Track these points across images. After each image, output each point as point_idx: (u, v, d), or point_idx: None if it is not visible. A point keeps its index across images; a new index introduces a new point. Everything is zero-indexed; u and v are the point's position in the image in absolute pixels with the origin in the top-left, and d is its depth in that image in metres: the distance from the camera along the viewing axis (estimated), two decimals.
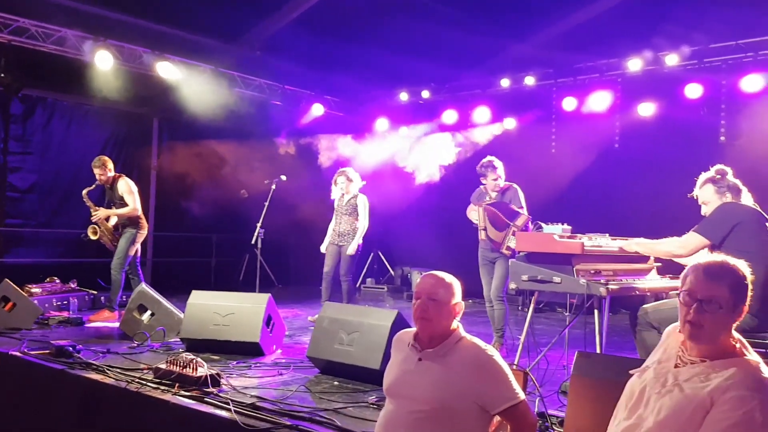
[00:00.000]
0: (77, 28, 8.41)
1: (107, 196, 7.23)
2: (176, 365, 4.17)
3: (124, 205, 7.03)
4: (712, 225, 3.97)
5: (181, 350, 5.23)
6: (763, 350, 3.24)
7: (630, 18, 8.31)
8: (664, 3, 8.04)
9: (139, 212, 7.11)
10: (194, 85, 9.48)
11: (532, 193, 6.39)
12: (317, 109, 11.12)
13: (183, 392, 3.97)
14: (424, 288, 2.68)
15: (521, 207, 5.96)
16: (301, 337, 6.36)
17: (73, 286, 7.69)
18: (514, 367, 3.18)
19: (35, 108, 9.27)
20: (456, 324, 2.68)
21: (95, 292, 7.79)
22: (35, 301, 6.54)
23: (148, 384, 4.14)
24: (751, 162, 6.36)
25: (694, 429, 2.02)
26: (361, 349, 4.55)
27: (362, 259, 8.08)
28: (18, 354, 4.91)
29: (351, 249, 7.23)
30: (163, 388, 4.05)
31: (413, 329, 2.77)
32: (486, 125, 10.20)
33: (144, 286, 6.14)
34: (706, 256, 2.40)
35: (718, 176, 4.11)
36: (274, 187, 7.61)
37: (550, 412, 3.48)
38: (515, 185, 6.12)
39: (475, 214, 5.98)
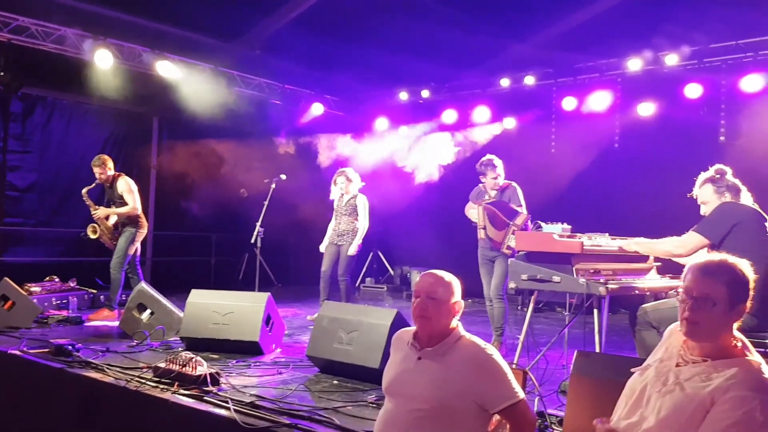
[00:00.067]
0: (77, 27, 8.41)
1: (107, 195, 7.23)
2: (176, 364, 4.17)
3: (124, 204, 7.02)
4: (712, 224, 3.98)
5: (180, 349, 5.23)
6: (763, 350, 3.24)
7: (630, 18, 8.31)
8: (664, 3, 8.04)
9: (139, 211, 7.11)
10: (194, 84, 9.48)
11: (531, 192, 6.39)
12: (317, 109, 11.12)
13: (182, 391, 3.97)
14: (424, 286, 2.68)
15: (520, 205, 5.96)
16: (300, 336, 6.36)
17: (72, 285, 7.69)
18: (514, 366, 3.18)
19: (35, 107, 9.26)
20: (455, 323, 2.68)
21: (95, 291, 7.79)
22: (35, 300, 6.54)
23: (148, 383, 4.14)
24: (750, 162, 6.36)
25: (694, 428, 2.03)
26: (360, 348, 4.55)
27: (361, 259, 8.08)
28: (17, 353, 4.91)
29: (352, 249, 7.23)
30: (162, 386, 4.05)
31: (413, 328, 2.77)
32: (486, 125, 10.19)
33: (143, 285, 6.13)
34: (707, 255, 2.40)
35: (718, 176, 4.12)
36: (273, 186, 7.61)
37: (549, 411, 3.49)
38: (514, 183, 6.12)
39: (474, 212, 5.99)
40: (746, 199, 4.09)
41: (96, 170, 7.05)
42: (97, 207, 7.10)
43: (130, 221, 7.08)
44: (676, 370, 2.18)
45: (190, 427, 3.77)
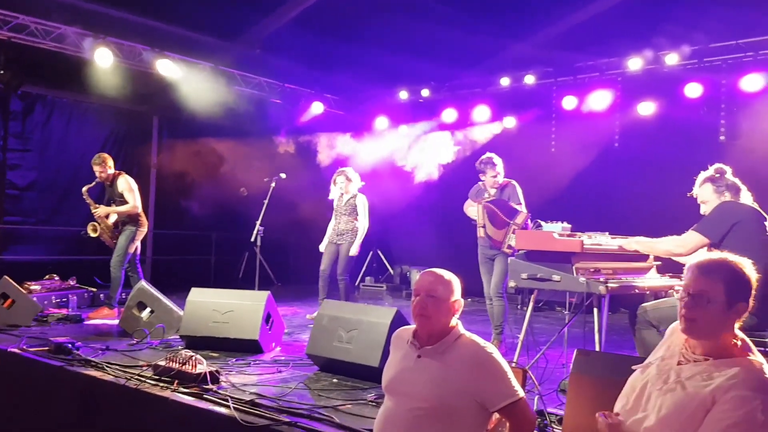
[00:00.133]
0: (77, 25, 8.40)
1: (107, 194, 7.23)
2: (175, 362, 4.17)
3: (124, 202, 7.03)
4: (711, 224, 3.98)
5: (180, 347, 5.24)
6: (762, 349, 3.24)
7: (630, 17, 8.31)
8: (665, 2, 8.04)
9: (139, 210, 7.11)
10: (194, 83, 9.48)
11: (531, 191, 6.39)
12: (317, 108, 11.12)
13: (182, 389, 3.97)
14: (423, 285, 2.67)
15: (520, 203, 5.96)
16: (300, 335, 6.37)
17: (72, 283, 7.70)
18: (513, 365, 3.18)
19: (35, 105, 9.26)
20: (455, 321, 2.68)
21: (94, 290, 7.79)
22: (34, 298, 6.55)
23: (148, 381, 4.14)
24: (750, 161, 6.36)
25: (695, 427, 2.03)
26: (360, 347, 4.55)
27: (361, 258, 8.09)
28: (17, 351, 4.91)
29: (353, 250, 7.23)
30: (162, 385, 4.05)
31: (412, 326, 2.77)
32: (486, 124, 10.19)
33: (143, 284, 6.14)
34: (708, 254, 2.40)
35: (717, 175, 4.12)
36: (273, 185, 7.61)
37: (549, 410, 3.49)
38: (513, 182, 6.12)
39: (473, 210, 5.99)
40: (746, 198, 4.09)
41: (96, 169, 7.05)
42: (97, 205, 7.10)
43: (130, 220, 7.07)
44: (678, 369, 2.18)
45: (190, 425, 3.78)
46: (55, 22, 8.29)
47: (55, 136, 9.48)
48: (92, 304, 7.55)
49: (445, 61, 9.70)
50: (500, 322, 5.94)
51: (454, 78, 10.61)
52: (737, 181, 4.11)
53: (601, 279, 4.19)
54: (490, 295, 6.00)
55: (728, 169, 4.14)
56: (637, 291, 4.39)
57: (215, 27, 9.40)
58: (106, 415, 4.22)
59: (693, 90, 8.37)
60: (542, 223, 4.78)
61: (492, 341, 5.72)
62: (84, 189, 7.15)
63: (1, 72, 8.10)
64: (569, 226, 4.68)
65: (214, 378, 4.08)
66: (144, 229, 7.18)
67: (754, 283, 2.18)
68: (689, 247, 4.01)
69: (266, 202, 7.52)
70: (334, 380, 4.51)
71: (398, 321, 4.47)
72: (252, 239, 7.43)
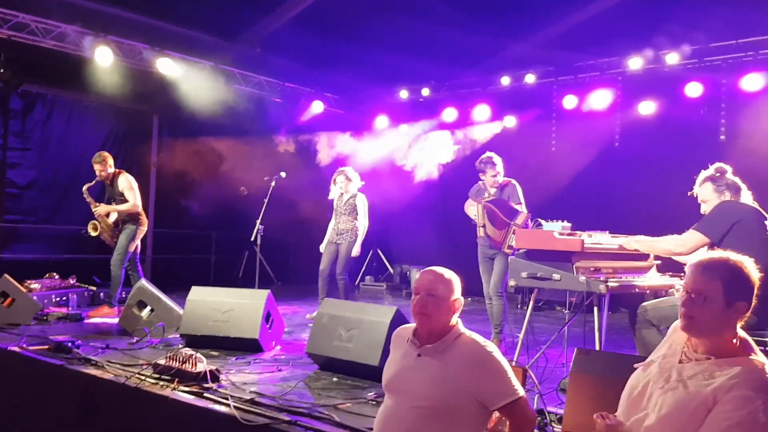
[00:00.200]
0: (77, 24, 8.39)
1: (107, 193, 7.23)
2: (175, 361, 4.17)
3: (125, 201, 7.02)
4: (712, 223, 3.98)
5: (180, 346, 5.22)
6: (762, 348, 3.24)
7: (630, 17, 8.31)
8: (665, 2, 8.05)
9: (140, 208, 7.11)
10: (194, 82, 9.47)
11: (532, 191, 6.38)
12: (317, 107, 11.12)
13: (182, 388, 3.97)
14: (423, 283, 2.67)
15: (520, 203, 5.96)
16: (300, 334, 6.37)
17: (72, 282, 7.70)
18: (513, 363, 3.19)
19: (35, 104, 9.26)
20: (455, 320, 2.68)
21: (94, 288, 7.79)
22: (34, 297, 6.55)
23: (148, 379, 4.14)
24: (751, 161, 6.35)
25: (695, 426, 2.02)
26: (360, 346, 4.55)
27: (361, 257, 8.09)
28: (17, 349, 4.91)
29: (355, 251, 7.24)
30: (162, 383, 4.05)
31: (412, 325, 2.77)
32: (486, 123, 10.19)
33: (143, 282, 6.14)
34: (710, 253, 2.40)
35: (718, 174, 4.12)
36: (273, 184, 7.61)
37: (549, 409, 3.49)
38: (514, 181, 6.11)
39: (473, 209, 5.98)
40: (746, 197, 4.09)
41: (96, 167, 7.04)
42: (97, 204, 7.09)
43: (130, 218, 7.07)
44: (679, 367, 2.17)
45: (190, 423, 3.78)
46: (56, 21, 8.28)
47: (56, 135, 9.48)
48: (92, 303, 7.55)
49: (445, 61, 9.70)
50: (500, 321, 5.94)
51: (454, 77, 10.60)
52: (737, 180, 4.11)
53: (602, 278, 4.19)
54: (489, 295, 6.00)
55: (729, 169, 4.14)
56: (637, 290, 4.39)
57: (215, 26, 9.40)
58: (106, 414, 4.22)
59: (693, 89, 8.38)
60: (542, 222, 4.77)
61: (492, 340, 5.71)
62: (84, 188, 7.15)
63: (1, 71, 8.10)
64: (569, 225, 4.68)
65: (214, 377, 4.08)
66: (144, 228, 7.18)
67: (757, 282, 2.17)
68: (689, 246, 4.01)
69: (266, 201, 7.52)
70: (334, 379, 4.51)
71: (398, 320, 4.47)
72: (252, 238, 7.43)
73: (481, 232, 5.92)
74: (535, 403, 3.42)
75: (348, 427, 3.37)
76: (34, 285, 7.12)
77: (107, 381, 4.23)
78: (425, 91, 10.95)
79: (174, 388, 3.96)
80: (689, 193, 4.23)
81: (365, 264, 11.80)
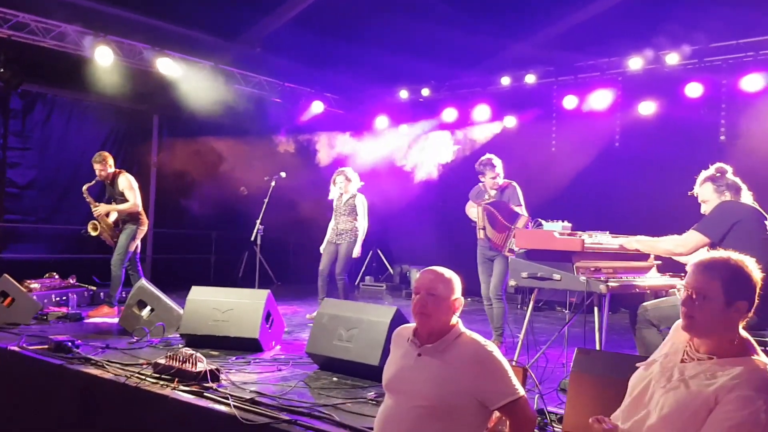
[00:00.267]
0: (77, 24, 8.39)
1: (107, 192, 7.23)
2: (176, 360, 4.17)
3: (125, 200, 7.02)
4: (712, 223, 3.98)
5: (180, 346, 5.23)
6: (764, 348, 3.24)
7: (630, 17, 8.31)
8: (665, 2, 8.05)
9: (140, 208, 7.11)
10: (194, 82, 9.47)
11: (532, 191, 6.38)
12: (317, 107, 11.12)
13: (182, 387, 3.97)
14: (423, 283, 2.67)
15: (520, 205, 5.95)
16: (299, 334, 6.37)
17: (72, 281, 7.70)
18: (514, 363, 3.18)
19: (35, 104, 9.26)
20: (455, 319, 2.68)
21: (94, 288, 7.79)
22: (34, 297, 6.55)
23: (148, 379, 4.14)
24: (751, 161, 6.35)
25: (697, 426, 2.02)
26: (360, 346, 4.55)
27: (361, 257, 8.08)
28: (17, 349, 4.91)
29: (355, 252, 7.24)
30: (162, 383, 4.05)
31: (412, 325, 2.76)
32: (486, 123, 10.19)
33: (143, 282, 6.13)
34: (711, 253, 2.40)
35: (718, 174, 4.12)
36: (273, 184, 7.61)
37: (549, 408, 3.49)
38: (514, 183, 6.10)
39: (474, 211, 5.97)
40: (746, 197, 4.09)
41: (96, 167, 7.04)
42: (97, 204, 7.09)
43: (130, 218, 7.07)
44: (681, 366, 2.17)
45: (190, 423, 3.77)
46: (56, 21, 8.28)
47: (55, 135, 9.48)
48: (92, 303, 7.55)
49: (445, 61, 9.70)
50: (500, 324, 5.93)
51: (454, 77, 10.60)
52: (738, 180, 4.11)
53: (602, 278, 4.19)
54: (488, 297, 5.99)
55: (729, 169, 4.14)
56: (637, 290, 4.39)
57: (215, 26, 9.40)
58: (106, 414, 4.22)
59: (693, 90, 8.38)
60: (543, 222, 4.77)
61: (492, 341, 5.70)
62: (84, 187, 7.14)
63: (1, 70, 8.10)
64: (570, 225, 4.68)
65: (214, 376, 4.07)
66: (144, 228, 7.18)
67: (759, 282, 2.17)
68: (690, 246, 4.01)
69: (266, 201, 7.52)
70: (334, 379, 4.51)
71: (398, 320, 4.47)
72: (252, 238, 7.43)
73: (481, 234, 5.91)
74: (535, 403, 3.42)
75: (348, 427, 3.37)
76: (34, 285, 7.11)
77: (107, 381, 4.23)
78: (425, 91, 10.95)
79: (174, 388, 3.96)
80: (689, 193, 4.23)
81: (365, 264, 11.79)
